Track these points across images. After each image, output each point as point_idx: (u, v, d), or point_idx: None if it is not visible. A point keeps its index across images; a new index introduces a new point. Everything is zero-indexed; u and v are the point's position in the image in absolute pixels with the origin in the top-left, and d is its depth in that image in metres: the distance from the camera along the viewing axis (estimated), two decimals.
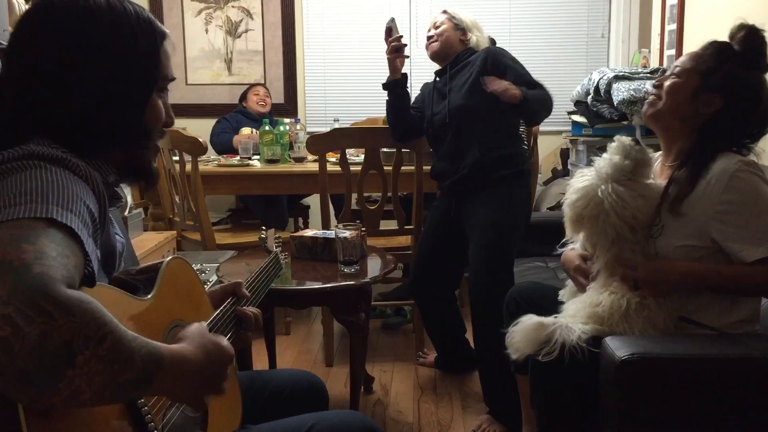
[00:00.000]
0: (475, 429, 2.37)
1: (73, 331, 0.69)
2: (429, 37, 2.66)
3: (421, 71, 4.75)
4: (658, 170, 1.75)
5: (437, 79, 2.70)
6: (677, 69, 1.66)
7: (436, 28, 2.64)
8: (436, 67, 2.71)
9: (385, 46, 2.65)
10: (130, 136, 1.04)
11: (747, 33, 1.59)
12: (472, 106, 2.48)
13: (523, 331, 1.62)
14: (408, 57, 2.69)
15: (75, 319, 0.70)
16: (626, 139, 1.66)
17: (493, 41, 3.22)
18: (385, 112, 2.69)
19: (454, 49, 2.63)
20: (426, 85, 2.80)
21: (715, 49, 1.62)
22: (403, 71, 2.67)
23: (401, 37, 2.64)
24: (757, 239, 1.50)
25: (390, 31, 2.64)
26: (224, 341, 0.95)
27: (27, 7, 3.06)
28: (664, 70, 3.38)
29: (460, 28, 2.63)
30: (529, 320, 1.63)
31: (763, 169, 1.57)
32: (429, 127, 2.67)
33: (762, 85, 1.61)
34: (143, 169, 1.08)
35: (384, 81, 2.71)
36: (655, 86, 1.70)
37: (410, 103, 2.75)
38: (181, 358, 0.83)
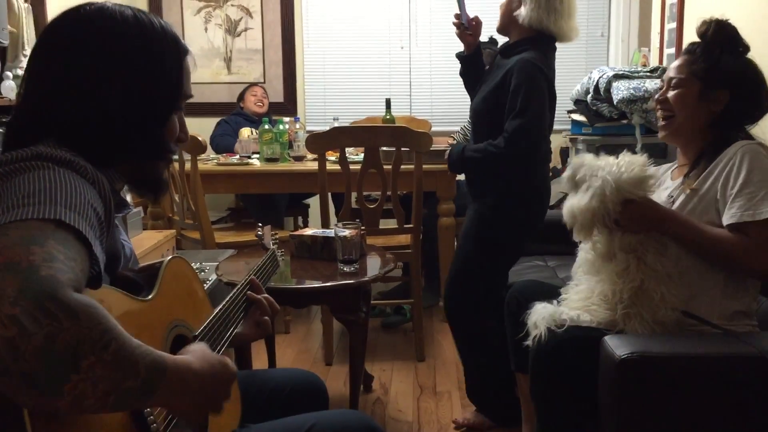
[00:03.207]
0: (458, 419, 2.38)
1: (78, 335, 0.70)
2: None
3: (420, 70, 4.77)
4: (676, 173, 1.79)
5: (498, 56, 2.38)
6: (674, 81, 1.69)
7: None
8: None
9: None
10: (150, 149, 1.06)
11: (716, 27, 1.66)
12: (482, 111, 2.28)
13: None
14: (470, 32, 2.37)
15: (81, 323, 0.70)
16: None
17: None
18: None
19: (513, 25, 2.26)
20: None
21: (702, 49, 1.67)
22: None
23: (459, 15, 2.37)
24: (742, 206, 1.53)
25: (460, 3, 2.38)
26: (228, 360, 0.94)
27: (26, 6, 3.02)
28: (664, 69, 3.39)
29: None
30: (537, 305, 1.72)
31: None
32: None
33: (753, 66, 1.68)
34: (155, 180, 1.10)
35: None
36: (660, 102, 1.72)
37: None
38: (185, 368, 0.82)
